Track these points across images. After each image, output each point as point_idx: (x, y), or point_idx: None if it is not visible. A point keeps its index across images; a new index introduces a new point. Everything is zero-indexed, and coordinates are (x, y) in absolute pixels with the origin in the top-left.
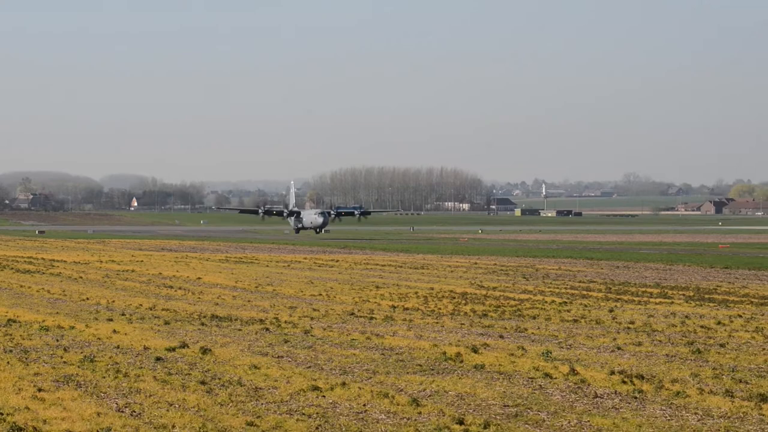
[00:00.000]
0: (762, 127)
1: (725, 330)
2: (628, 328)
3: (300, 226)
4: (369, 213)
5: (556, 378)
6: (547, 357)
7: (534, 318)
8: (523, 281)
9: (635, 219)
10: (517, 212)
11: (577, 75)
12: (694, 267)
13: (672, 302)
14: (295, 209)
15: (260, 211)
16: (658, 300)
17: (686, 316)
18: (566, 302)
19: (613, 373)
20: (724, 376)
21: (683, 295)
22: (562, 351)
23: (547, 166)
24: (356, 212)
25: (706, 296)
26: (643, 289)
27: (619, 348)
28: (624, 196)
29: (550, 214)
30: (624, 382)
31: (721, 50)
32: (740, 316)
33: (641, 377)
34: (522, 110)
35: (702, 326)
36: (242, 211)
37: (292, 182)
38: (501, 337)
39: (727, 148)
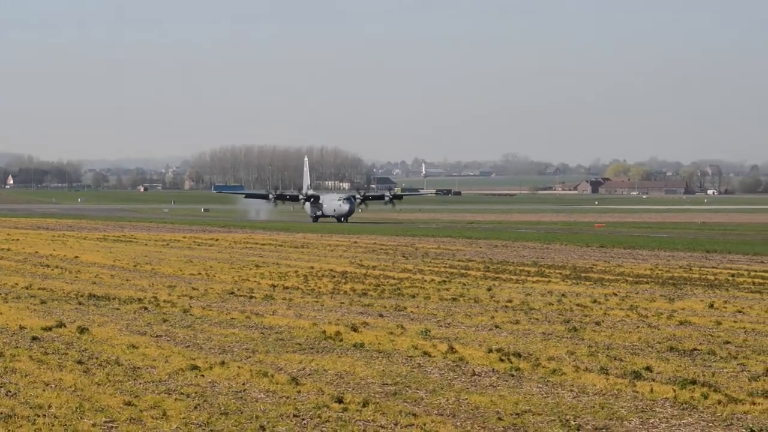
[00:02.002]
0: (637, 108)
1: (601, 308)
2: (506, 306)
3: (319, 213)
4: (401, 197)
5: (434, 356)
6: (426, 335)
7: (413, 297)
8: (403, 260)
9: (514, 198)
10: (397, 191)
11: (457, 58)
12: (570, 246)
13: (549, 281)
14: (313, 193)
15: (271, 195)
16: (535, 279)
17: (563, 295)
18: (445, 281)
19: (491, 351)
20: (599, 354)
21: (560, 273)
22: (441, 329)
23: (427, 145)
24: (386, 196)
25: (583, 275)
26: (521, 268)
27: (497, 326)
28: (503, 176)
29: (429, 193)
30: (502, 360)
31: (595, 33)
32: (615, 295)
33: (518, 355)
34: (402, 91)
35: (578, 304)
36: (249, 196)
37: (305, 159)
38: (380, 315)
39: (603, 129)
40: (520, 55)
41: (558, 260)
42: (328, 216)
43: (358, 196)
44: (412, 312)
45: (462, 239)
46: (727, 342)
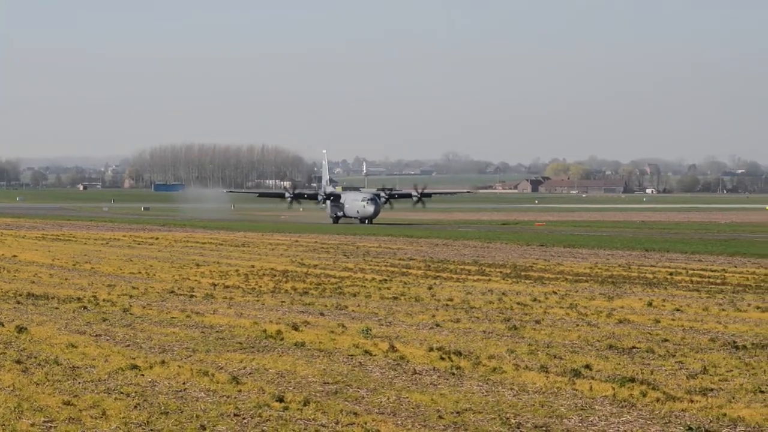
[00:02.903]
0: (576, 107)
1: (541, 306)
2: (447, 305)
3: (340, 214)
4: (430, 195)
5: (375, 355)
6: (367, 334)
7: (354, 295)
8: (344, 259)
9: (454, 197)
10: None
11: (395, 54)
12: (511, 245)
13: (489, 279)
14: (333, 190)
15: (287, 194)
16: (476, 277)
17: (503, 293)
18: (386, 280)
19: (431, 349)
20: (539, 352)
21: (500, 272)
22: (382, 328)
23: (369, 144)
24: (414, 194)
25: (523, 273)
26: (462, 267)
27: (437, 325)
28: (443, 175)
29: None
30: (442, 359)
31: (531, 31)
32: (555, 293)
33: (459, 354)
34: (342, 88)
35: (518, 303)
36: (263, 195)
37: (324, 152)
38: (321, 314)
39: (543, 128)
40: (460, 52)
41: (498, 259)
42: (350, 217)
43: (383, 195)
44: (353, 311)
45: (402, 238)
46: (666, 340)
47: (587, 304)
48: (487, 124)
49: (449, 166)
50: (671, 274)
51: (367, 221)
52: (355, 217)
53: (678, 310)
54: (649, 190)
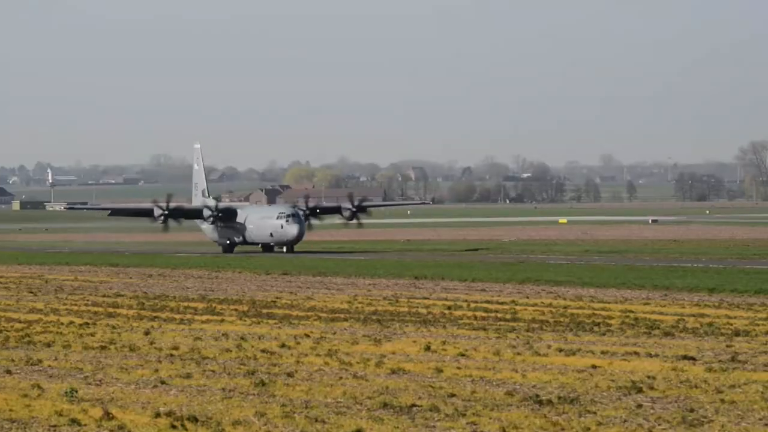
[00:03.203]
0: (325, 104)
1: (292, 354)
2: (172, 355)
3: (238, 239)
4: (365, 209)
5: (86, 424)
6: (72, 397)
7: (49, 345)
8: (31, 297)
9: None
10: (16, 205)
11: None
12: (246, 273)
13: (222, 319)
14: (225, 205)
15: (158, 211)
16: (205, 317)
17: (242, 338)
18: (89, 323)
19: (158, 415)
20: (296, 414)
21: (236, 310)
22: (91, 388)
23: (54, 146)
24: (346, 208)
25: (265, 311)
26: (186, 304)
27: (163, 382)
28: (153, 183)
29: (59, 208)
30: (174, 427)
31: (270, 31)
32: (308, 336)
33: (195, 419)
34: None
35: (263, 350)
36: (116, 212)
37: (197, 146)
38: (8, 372)
39: (281, 125)
40: (176, 45)
41: (232, 292)
42: (255, 243)
43: (304, 210)
44: (49, 366)
45: (105, 267)
46: (452, 395)
47: (350, 350)
48: (211, 122)
49: (160, 172)
50: (450, 308)
51: (285, 248)
52: (264, 243)
53: (463, 355)
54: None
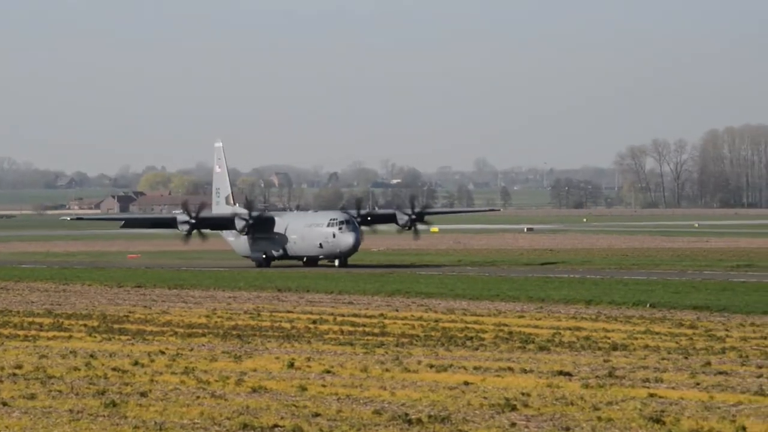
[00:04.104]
0: (178, 105)
1: (146, 372)
2: (15, 374)
3: (277, 251)
4: (422, 216)
5: None
6: None
7: None
8: None
9: (12, 221)
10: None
11: None
12: (96, 286)
13: (71, 336)
14: (262, 212)
15: (183, 219)
16: (51, 333)
17: (91, 355)
18: None
19: None
20: None
21: (85, 325)
22: None
23: None
24: (405, 214)
25: (116, 326)
26: (30, 319)
27: (4, 404)
28: None
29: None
30: None
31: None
32: (163, 353)
33: None
34: None
35: (114, 368)
36: (130, 223)
37: (219, 145)
38: None
39: (134, 129)
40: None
41: (81, 306)
42: (298, 257)
43: (355, 216)
44: None
45: None
46: (317, 414)
47: (208, 368)
48: (56, 126)
49: (3, 177)
50: (315, 322)
51: (337, 261)
52: (310, 256)
53: (329, 371)
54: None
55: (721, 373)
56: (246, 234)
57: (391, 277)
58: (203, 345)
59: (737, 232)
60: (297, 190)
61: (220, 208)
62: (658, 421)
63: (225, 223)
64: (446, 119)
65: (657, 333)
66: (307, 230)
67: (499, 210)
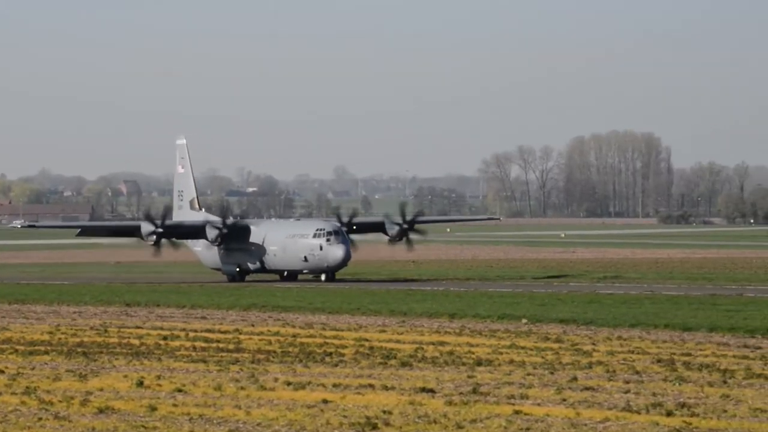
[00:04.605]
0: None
1: None
2: None
3: (253, 264)
4: (414, 224)
5: None
6: None
7: None
8: None
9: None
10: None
11: None
12: None
13: None
14: (237, 220)
15: (148, 228)
16: None
17: None
18: None
19: None
20: None
21: None
22: None
23: None
24: (395, 223)
25: None
26: None
27: None
28: None
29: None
30: None
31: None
32: (2, 372)
33: None
34: None
35: None
36: (86, 231)
37: (183, 142)
38: None
39: None
40: None
41: None
42: (278, 271)
43: (340, 225)
44: None
45: None
46: None
47: (51, 387)
48: None
49: None
50: (165, 338)
51: (324, 276)
52: (292, 270)
53: (180, 390)
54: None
55: (587, 388)
56: (218, 244)
57: (247, 291)
58: (46, 363)
59: (604, 243)
60: (146, 199)
61: (183, 213)
62: None
63: (195, 231)
64: (303, 125)
65: (522, 347)
66: (290, 241)
67: (499, 219)
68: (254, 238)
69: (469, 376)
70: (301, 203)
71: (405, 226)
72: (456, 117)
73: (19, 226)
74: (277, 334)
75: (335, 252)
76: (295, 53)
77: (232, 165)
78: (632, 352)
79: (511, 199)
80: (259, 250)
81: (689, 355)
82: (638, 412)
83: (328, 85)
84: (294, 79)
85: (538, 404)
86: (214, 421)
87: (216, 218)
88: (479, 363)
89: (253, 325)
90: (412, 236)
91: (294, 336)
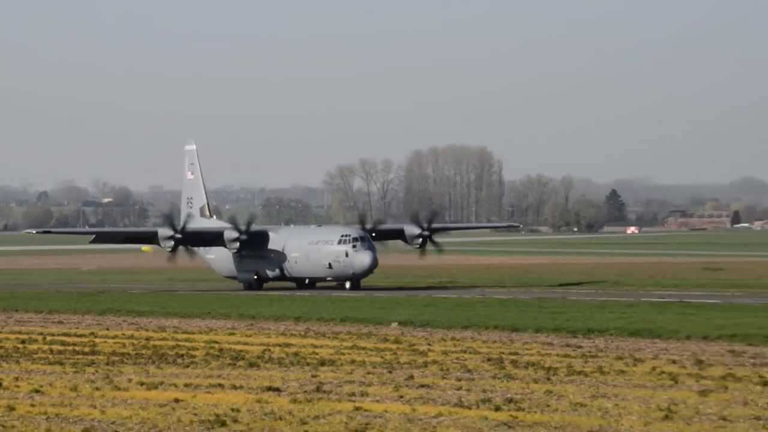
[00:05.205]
0: None
1: None
2: None
3: (273, 272)
4: (434, 232)
5: None
6: None
7: None
8: None
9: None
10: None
11: None
12: None
13: None
14: (259, 228)
15: (166, 234)
16: None
17: None
18: None
19: None
20: None
21: None
22: None
23: None
24: (417, 231)
25: None
26: None
27: None
28: None
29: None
30: None
31: None
32: None
33: None
34: None
35: None
36: (101, 238)
37: (192, 148)
38: None
39: None
40: None
41: None
42: (298, 278)
43: (362, 233)
44: None
45: None
46: None
47: None
48: None
49: None
50: (23, 342)
51: (349, 284)
52: (313, 278)
53: (38, 391)
54: None
55: (423, 386)
56: (237, 251)
57: (103, 296)
58: None
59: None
60: (5, 209)
61: (194, 220)
62: None
63: (213, 238)
64: (156, 137)
65: (363, 348)
66: (313, 248)
67: (519, 226)
68: (273, 245)
69: (312, 376)
70: (155, 213)
71: (426, 233)
72: (302, 131)
73: (34, 232)
74: (131, 337)
75: (362, 259)
76: (107, 62)
77: (89, 176)
78: (464, 352)
79: (354, 209)
80: (279, 257)
81: (516, 354)
82: (469, 408)
83: (173, 97)
84: (142, 92)
85: (377, 401)
86: (71, 420)
87: (228, 225)
88: (322, 363)
89: (108, 329)
90: (432, 243)
91: (147, 339)
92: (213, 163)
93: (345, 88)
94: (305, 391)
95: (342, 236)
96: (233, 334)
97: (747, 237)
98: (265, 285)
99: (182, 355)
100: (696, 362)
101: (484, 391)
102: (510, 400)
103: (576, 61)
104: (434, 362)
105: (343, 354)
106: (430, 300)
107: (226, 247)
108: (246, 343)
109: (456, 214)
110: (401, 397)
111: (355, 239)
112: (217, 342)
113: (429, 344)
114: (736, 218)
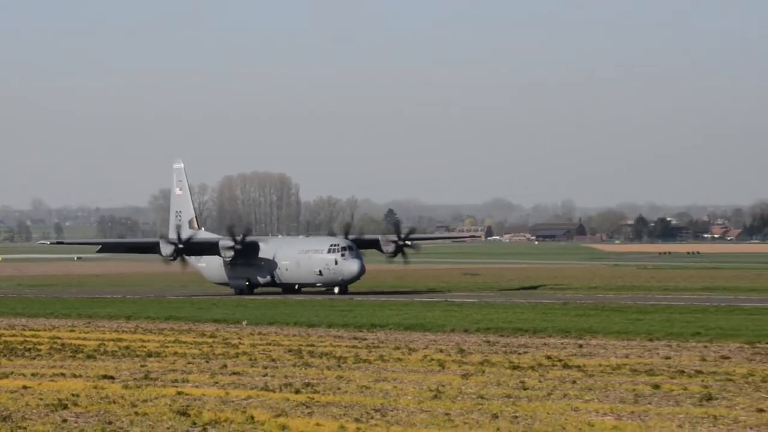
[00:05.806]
0: None
1: None
2: None
3: (263, 278)
4: (408, 242)
5: None
6: None
7: None
8: None
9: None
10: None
11: None
12: None
13: None
14: (253, 238)
15: (168, 243)
16: None
17: None
18: None
19: None
20: None
21: None
22: None
23: None
24: (391, 241)
25: None
26: None
27: None
28: None
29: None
30: None
31: None
32: None
33: None
34: None
35: None
36: (108, 248)
37: (179, 165)
38: None
39: None
40: None
41: None
42: (287, 285)
43: (348, 242)
44: None
45: None
46: None
47: None
48: None
49: None
50: None
51: (338, 289)
52: (304, 284)
53: None
54: None
55: (235, 373)
56: (232, 260)
57: None
58: None
59: None
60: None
61: (181, 233)
62: (184, 414)
63: (209, 247)
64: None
65: (184, 342)
66: (303, 256)
67: (480, 237)
68: (264, 254)
69: (141, 365)
70: (5, 229)
71: (401, 242)
72: (131, 158)
73: (48, 243)
74: None
75: (350, 266)
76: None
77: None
78: (270, 344)
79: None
80: (270, 265)
81: (312, 345)
82: (274, 391)
83: (62, 121)
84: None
85: (197, 386)
86: None
87: (216, 236)
88: (150, 355)
89: None
90: (408, 251)
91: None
92: (55, 186)
93: (161, 115)
94: (135, 379)
95: (331, 245)
96: (73, 330)
97: (498, 248)
98: (255, 290)
99: (29, 349)
100: (459, 351)
101: (286, 377)
102: (308, 384)
103: (356, 105)
104: (244, 353)
105: (168, 347)
106: (240, 301)
107: (220, 255)
108: (84, 339)
109: (261, 229)
110: (217, 383)
111: (343, 248)
112: (59, 338)
113: (239, 338)
114: (489, 232)
